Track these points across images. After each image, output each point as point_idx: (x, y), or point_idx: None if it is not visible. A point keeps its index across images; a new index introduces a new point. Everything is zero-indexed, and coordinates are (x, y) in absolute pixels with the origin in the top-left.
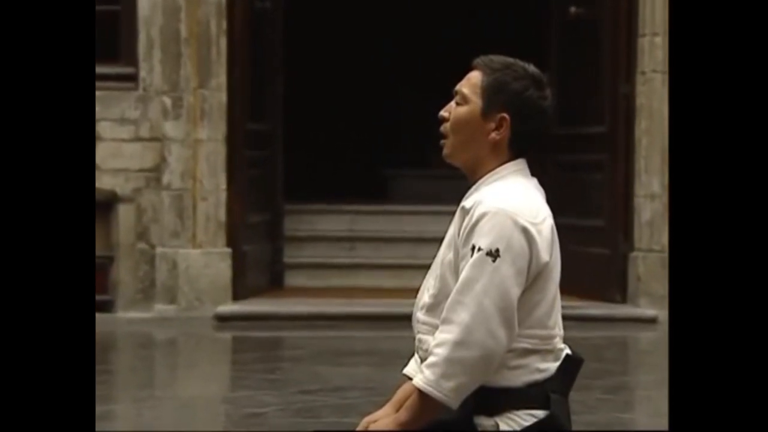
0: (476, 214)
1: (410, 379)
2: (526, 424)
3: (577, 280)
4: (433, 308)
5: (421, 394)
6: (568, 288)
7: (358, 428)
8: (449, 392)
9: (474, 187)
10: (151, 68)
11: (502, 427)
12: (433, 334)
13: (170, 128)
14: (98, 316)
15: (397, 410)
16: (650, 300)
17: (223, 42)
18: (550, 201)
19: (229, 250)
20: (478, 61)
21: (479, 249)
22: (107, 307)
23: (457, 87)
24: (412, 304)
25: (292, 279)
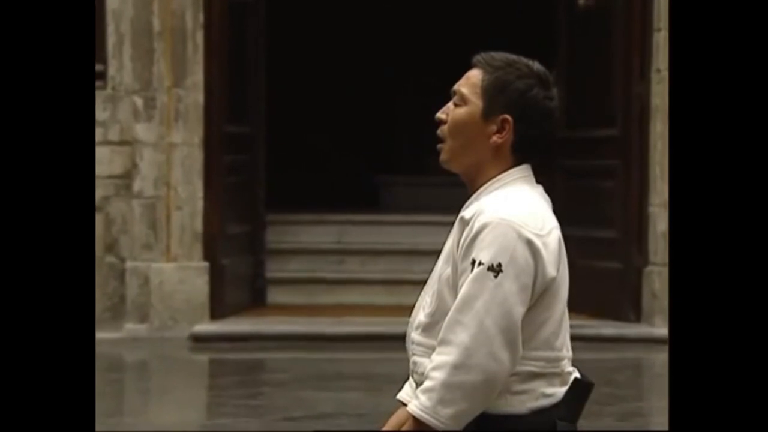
0: (477, 225)
1: (405, 404)
2: None
3: (587, 297)
4: (429, 328)
5: (417, 422)
6: (577, 305)
7: None
8: (447, 419)
9: (474, 195)
10: (120, 65)
11: None
12: (429, 356)
13: (142, 131)
14: None
15: None
16: (666, 318)
17: (200, 36)
18: (558, 210)
19: (206, 264)
20: (478, 58)
21: (480, 263)
22: None
23: (456, 86)
24: (407, 323)
25: (275, 295)
